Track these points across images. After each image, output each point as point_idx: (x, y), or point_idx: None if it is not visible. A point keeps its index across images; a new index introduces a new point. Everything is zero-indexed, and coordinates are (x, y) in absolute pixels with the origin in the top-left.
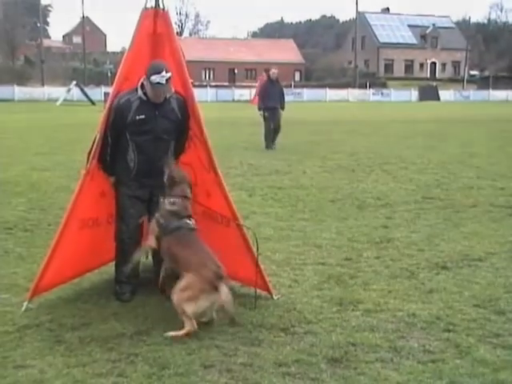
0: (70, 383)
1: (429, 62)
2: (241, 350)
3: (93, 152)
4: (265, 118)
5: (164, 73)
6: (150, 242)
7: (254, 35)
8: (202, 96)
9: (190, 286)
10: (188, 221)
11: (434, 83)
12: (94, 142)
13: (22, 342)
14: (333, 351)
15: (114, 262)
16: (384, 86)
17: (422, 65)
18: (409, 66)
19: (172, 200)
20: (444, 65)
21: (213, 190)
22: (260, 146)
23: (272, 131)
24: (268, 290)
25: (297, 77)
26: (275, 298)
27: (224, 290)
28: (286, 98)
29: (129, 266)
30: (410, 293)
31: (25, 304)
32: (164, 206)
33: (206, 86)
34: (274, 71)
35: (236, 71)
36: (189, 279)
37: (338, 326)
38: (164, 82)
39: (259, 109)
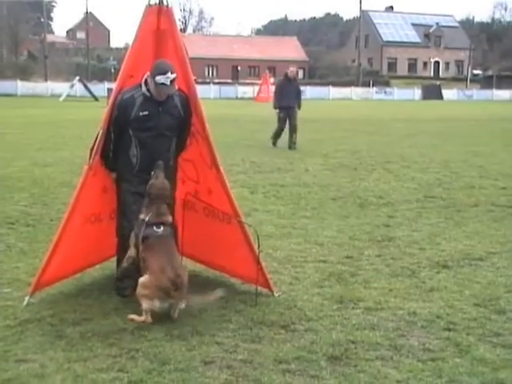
0: (70, 378)
1: (432, 60)
2: (241, 347)
3: (95, 148)
4: (279, 119)
5: (169, 74)
6: (130, 252)
7: (258, 32)
8: (206, 93)
9: (147, 286)
10: (156, 229)
11: (438, 82)
12: (96, 138)
13: (24, 336)
14: (333, 349)
15: (115, 258)
16: (387, 84)
17: (425, 64)
18: (412, 65)
19: (146, 210)
20: (447, 64)
21: (214, 186)
22: (263, 144)
23: (288, 131)
24: (269, 287)
25: (300, 74)
26: (276, 295)
27: (176, 298)
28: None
29: (118, 274)
30: (410, 291)
31: (26, 298)
32: (139, 216)
33: (209, 82)
34: (292, 69)
35: (239, 68)
36: (148, 279)
37: (338, 324)
38: (168, 83)
39: (275, 107)
